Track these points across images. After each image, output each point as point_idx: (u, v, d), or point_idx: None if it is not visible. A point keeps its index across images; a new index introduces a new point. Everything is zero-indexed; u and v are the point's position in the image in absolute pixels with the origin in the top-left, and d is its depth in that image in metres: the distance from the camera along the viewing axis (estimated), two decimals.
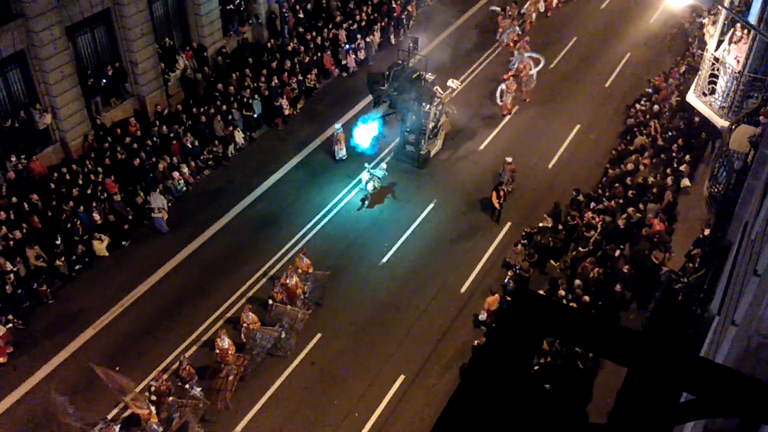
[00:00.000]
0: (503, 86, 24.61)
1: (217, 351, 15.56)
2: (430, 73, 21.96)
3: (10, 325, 16.92)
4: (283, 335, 16.30)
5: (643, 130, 23.22)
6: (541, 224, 19.29)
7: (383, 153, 22.69)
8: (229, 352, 15.53)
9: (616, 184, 20.72)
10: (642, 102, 24.83)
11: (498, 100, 24.69)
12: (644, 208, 19.67)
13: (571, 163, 23.04)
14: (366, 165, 20.78)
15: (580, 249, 18.64)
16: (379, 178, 20.60)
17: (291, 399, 15.76)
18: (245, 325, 16.15)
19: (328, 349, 16.86)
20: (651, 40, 29.33)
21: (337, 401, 15.73)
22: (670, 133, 22.68)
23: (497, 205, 20.05)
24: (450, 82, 23.07)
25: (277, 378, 16.16)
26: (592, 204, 20.12)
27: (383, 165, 21.16)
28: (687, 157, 21.50)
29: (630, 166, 21.37)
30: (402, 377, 16.25)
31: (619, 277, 17.43)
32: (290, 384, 16.09)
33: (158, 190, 19.59)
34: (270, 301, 16.86)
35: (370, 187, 20.47)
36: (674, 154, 21.64)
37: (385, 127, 22.75)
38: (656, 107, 24.13)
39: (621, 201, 19.94)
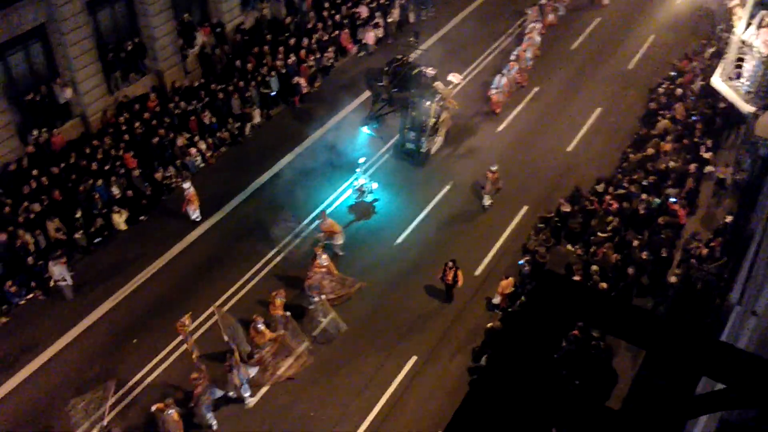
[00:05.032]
0: (509, 67, 24.12)
1: (253, 336, 15.64)
2: (431, 68, 21.24)
3: (32, 295, 17.26)
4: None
5: (666, 114, 22.84)
6: (562, 209, 19.10)
7: (376, 157, 21.84)
8: (266, 336, 15.64)
9: (637, 169, 20.48)
10: (665, 85, 24.39)
11: (492, 91, 23.66)
12: (664, 194, 19.46)
13: (591, 147, 22.76)
14: (357, 170, 20.31)
15: (599, 234, 18.48)
16: (370, 192, 20.27)
17: (302, 377, 15.88)
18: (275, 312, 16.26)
19: (339, 328, 16.92)
20: (676, 22, 28.71)
21: (348, 380, 15.86)
22: (693, 118, 22.31)
23: (448, 280, 17.03)
24: (451, 77, 22.41)
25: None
26: (611, 188, 19.89)
27: (374, 184, 20.36)
28: (709, 142, 21.18)
29: (651, 151, 21.09)
30: (414, 358, 16.32)
31: (636, 263, 17.29)
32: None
33: (58, 261, 17.19)
34: (307, 289, 17.02)
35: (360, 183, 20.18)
36: (697, 140, 21.30)
37: (383, 126, 22.08)
38: (679, 91, 23.70)
39: (644, 185, 19.67)
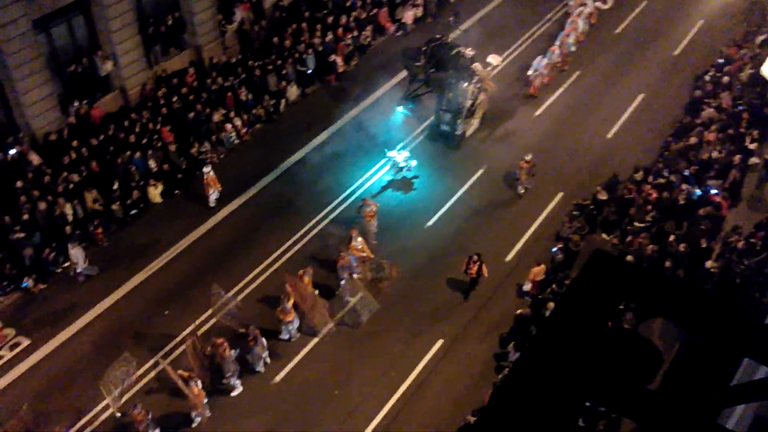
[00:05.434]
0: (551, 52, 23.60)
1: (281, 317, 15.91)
2: (470, 49, 20.84)
3: (68, 263, 17.60)
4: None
5: (711, 103, 22.12)
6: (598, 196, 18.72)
7: (410, 138, 21.48)
8: (292, 314, 15.86)
9: (679, 158, 19.92)
10: (712, 73, 23.60)
11: (530, 72, 23.31)
12: (706, 185, 18.92)
13: (632, 134, 22.20)
14: (393, 149, 20.15)
15: (636, 224, 18.08)
16: (409, 168, 20.10)
17: (328, 355, 16.01)
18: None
19: (368, 308, 16.92)
20: (727, 8, 27.67)
21: (374, 361, 15.90)
22: (740, 108, 21.57)
23: (472, 273, 16.71)
24: (491, 58, 21.98)
25: (316, 335, 16.39)
26: (650, 178, 19.39)
27: (413, 162, 20.12)
28: (756, 133, 20.46)
29: (693, 140, 20.48)
30: (440, 341, 16.28)
31: (673, 256, 16.88)
32: (330, 341, 16.31)
33: (75, 245, 17.27)
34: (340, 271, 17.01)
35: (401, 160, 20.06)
36: (743, 130, 20.60)
37: (419, 107, 21.86)
38: (726, 79, 22.90)
39: (685, 175, 19.13)
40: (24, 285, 17.06)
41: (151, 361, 15.55)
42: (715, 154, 19.89)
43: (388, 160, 20.12)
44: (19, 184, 17.70)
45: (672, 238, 17.23)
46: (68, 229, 17.71)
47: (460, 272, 17.23)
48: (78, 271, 17.34)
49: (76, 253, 17.19)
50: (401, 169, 20.03)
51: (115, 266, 17.84)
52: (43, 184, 18.02)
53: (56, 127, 19.38)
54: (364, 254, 17.07)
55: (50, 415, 14.58)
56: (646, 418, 3.13)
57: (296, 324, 16.07)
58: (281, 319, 15.89)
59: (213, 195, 19.33)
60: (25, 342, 16.12)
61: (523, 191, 19.84)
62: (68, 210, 17.90)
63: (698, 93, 22.92)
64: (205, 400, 14.47)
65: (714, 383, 3.31)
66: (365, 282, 16.93)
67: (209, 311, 16.30)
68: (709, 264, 16.66)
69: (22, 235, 17.04)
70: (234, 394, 15.09)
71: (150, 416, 14.00)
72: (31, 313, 16.74)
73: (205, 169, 19.12)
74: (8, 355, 15.83)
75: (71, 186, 18.18)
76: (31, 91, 18.62)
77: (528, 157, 19.43)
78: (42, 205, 17.50)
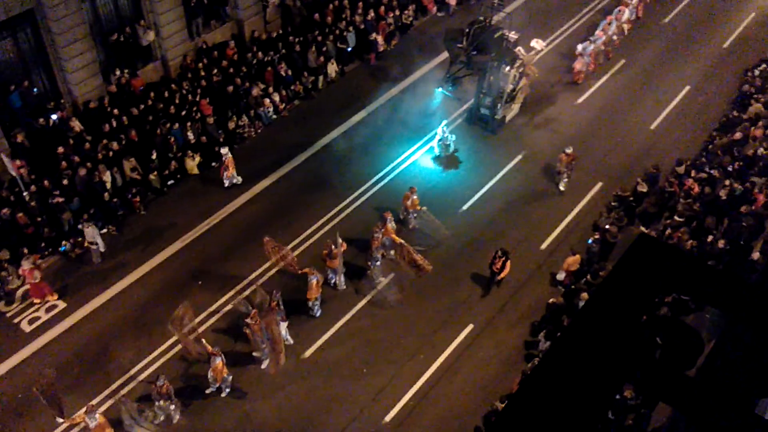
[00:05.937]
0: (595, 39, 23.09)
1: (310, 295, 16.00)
2: (513, 32, 20.47)
3: (105, 230, 17.76)
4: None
5: (760, 98, 21.48)
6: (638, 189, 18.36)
7: (449, 120, 20.95)
8: (316, 293, 16.00)
9: (722, 153, 19.41)
10: (762, 68, 22.90)
11: (578, 49, 22.87)
12: (749, 181, 18.41)
13: (676, 127, 21.68)
14: (444, 124, 20.04)
15: (676, 218, 17.69)
16: (453, 142, 19.98)
17: (358, 334, 16.01)
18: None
19: (399, 289, 16.89)
20: None
21: (403, 342, 15.86)
22: None
23: (496, 268, 16.48)
24: (534, 43, 21.52)
25: (346, 313, 16.39)
26: (693, 171, 18.93)
27: (452, 137, 20.06)
28: None
29: (738, 135, 19.93)
30: (471, 326, 16.17)
31: (712, 253, 16.49)
32: (358, 320, 16.32)
33: (89, 224, 16.97)
34: (373, 253, 16.88)
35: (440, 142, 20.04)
36: None
37: (459, 89, 21.67)
38: None
39: (729, 170, 18.64)
40: (62, 249, 17.35)
41: (172, 339, 15.58)
42: (760, 151, 19.33)
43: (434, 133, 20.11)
44: (60, 149, 17.93)
45: (710, 238, 16.81)
46: (106, 195, 17.92)
47: (489, 261, 16.97)
48: (101, 249, 17.22)
49: (92, 233, 17.04)
50: (447, 145, 19.88)
51: (151, 235, 18.02)
52: (83, 150, 18.23)
53: (97, 95, 19.56)
54: (400, 240, 16.92)
55: (80, 381, 14.84)
56: (683, 404, 3.08)
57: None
58: (308, 298, 15.94)
59: (227, 180, 19.13)
60: (61, 305, 16.41)
61: (558, 181, 19.49)
62: (107, 177, 18.10)
63: (746, 87, 22.30)
64: (229, 377, 14.62)
65: (754, 373, 3.21)
66: (404, 263, 16.76)
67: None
68: (755, 256, 16.23)
69: (61, 199, 17.30)
70: (263, 367, 15.19)
71: (173, 389, 14.03)
72: (68, 277, 17.01)
73: (223, 151, 18.94)
74: (44, 317, 16.14)
75: (111, 154, 18.37)
76: (74, 58, 18.79)
77: (569, 150, 19.05)
78: (82, 172, 17.71)
